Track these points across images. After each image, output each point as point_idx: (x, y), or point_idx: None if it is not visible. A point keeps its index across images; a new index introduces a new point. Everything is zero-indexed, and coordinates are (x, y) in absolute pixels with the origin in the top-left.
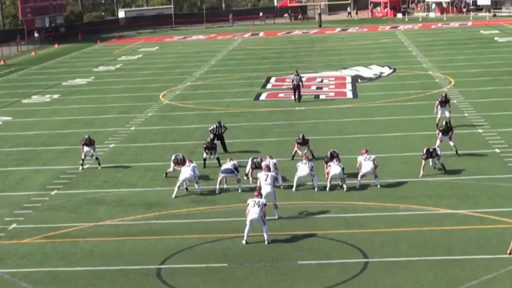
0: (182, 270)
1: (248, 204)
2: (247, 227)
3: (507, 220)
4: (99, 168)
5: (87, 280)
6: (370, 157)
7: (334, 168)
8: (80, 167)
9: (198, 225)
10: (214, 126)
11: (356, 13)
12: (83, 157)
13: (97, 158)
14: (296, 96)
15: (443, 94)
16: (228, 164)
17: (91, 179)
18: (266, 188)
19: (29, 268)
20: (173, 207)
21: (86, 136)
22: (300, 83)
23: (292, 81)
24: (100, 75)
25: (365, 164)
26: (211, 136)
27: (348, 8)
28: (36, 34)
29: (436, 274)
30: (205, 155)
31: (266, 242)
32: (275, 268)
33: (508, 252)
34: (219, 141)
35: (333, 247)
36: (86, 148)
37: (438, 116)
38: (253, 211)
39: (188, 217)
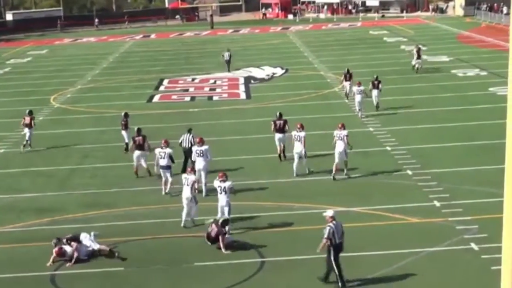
0: (77, 275)
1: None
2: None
3: (398, 216)
4: (22, 150)
5: None
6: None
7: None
8: (22, 147)
9: (93, 229)
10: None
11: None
12: (27, 138)
13: (27, 140)
14: (227, 68)
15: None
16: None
17: None
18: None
19: None
20: (66, 211)
21: (27, 111)
22: (229, 58)
23: (223, 56)
24: None
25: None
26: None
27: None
28: None
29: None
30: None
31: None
32: (172, 271)
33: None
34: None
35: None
36: (25, 129)
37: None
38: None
39: (83, 222)
